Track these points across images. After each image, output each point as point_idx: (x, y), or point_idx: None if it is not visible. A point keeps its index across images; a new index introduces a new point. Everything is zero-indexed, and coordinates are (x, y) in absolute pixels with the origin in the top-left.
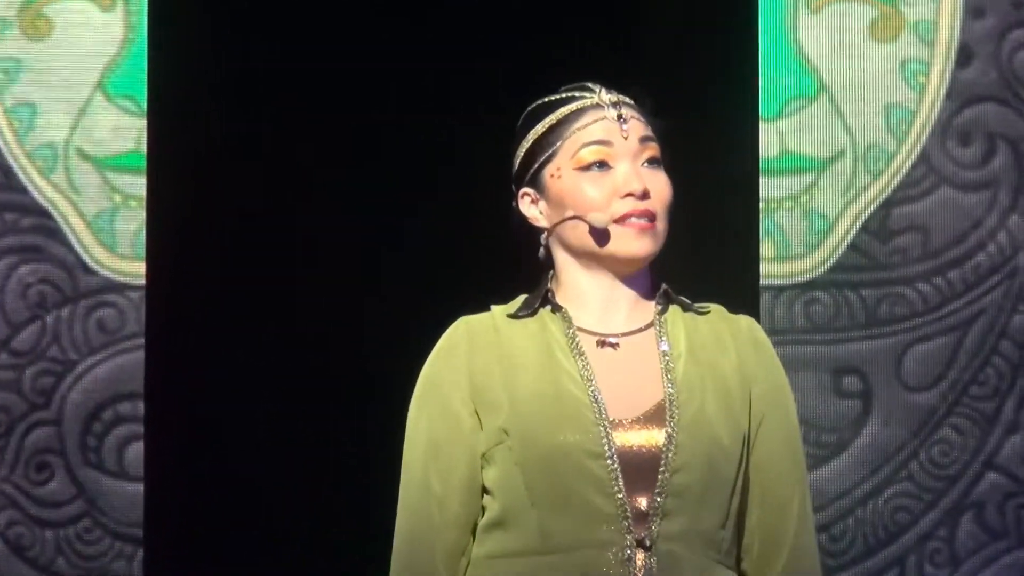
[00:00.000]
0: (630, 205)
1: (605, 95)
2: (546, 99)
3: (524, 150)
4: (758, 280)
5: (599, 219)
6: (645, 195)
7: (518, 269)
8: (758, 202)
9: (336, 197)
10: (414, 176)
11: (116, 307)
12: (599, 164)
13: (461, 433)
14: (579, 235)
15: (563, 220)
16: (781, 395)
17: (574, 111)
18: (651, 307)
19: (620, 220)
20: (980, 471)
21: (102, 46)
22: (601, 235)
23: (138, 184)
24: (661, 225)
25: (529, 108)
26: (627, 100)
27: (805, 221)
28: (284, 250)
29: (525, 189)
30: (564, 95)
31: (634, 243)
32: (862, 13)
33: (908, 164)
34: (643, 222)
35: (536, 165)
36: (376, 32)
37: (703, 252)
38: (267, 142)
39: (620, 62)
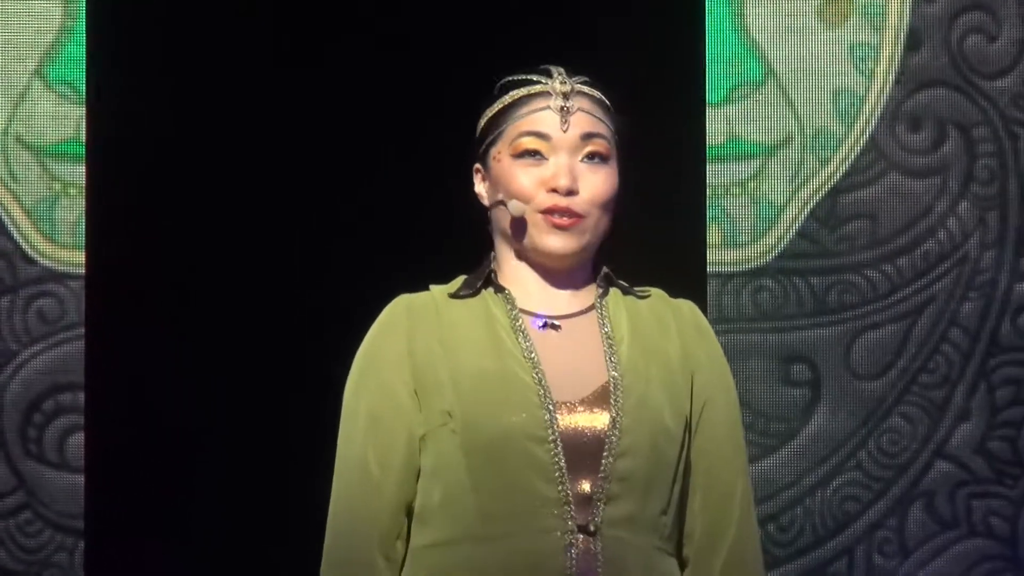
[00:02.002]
0: (552, 201)
1: (559, 84)
2: (511, 78)
3: (480, 126)
4: (705, 267)
5: (516, 207)
6: (571, 192)
7: (455, 252)
8: (705, 189)
9: (276, 184)
10: (354, 161)
11: (56, 296)
12: (532, 153)
13: (400, 411)
14: (504, 220)
15: (495, 203)
16: (724, 381)
17: (524, 96)
18: (592, 289)
19: (542, 212)
20: (930, 460)
21: (40, 32)
22: (517, 224)
23: (78, 172)
24: (590, 222)
25: (498, 84)
26: (585, 90)
27: (752, 208)
28: (224, 238)
29: (477, 164)
30: (525, 76)
31: (548, 238)
32: None
33: (857, 150)
34: (562, 219)
35: (485, 144)
36: (320, 16)
37: (649, 239)
38: (208, 129)
39: (565, 47)
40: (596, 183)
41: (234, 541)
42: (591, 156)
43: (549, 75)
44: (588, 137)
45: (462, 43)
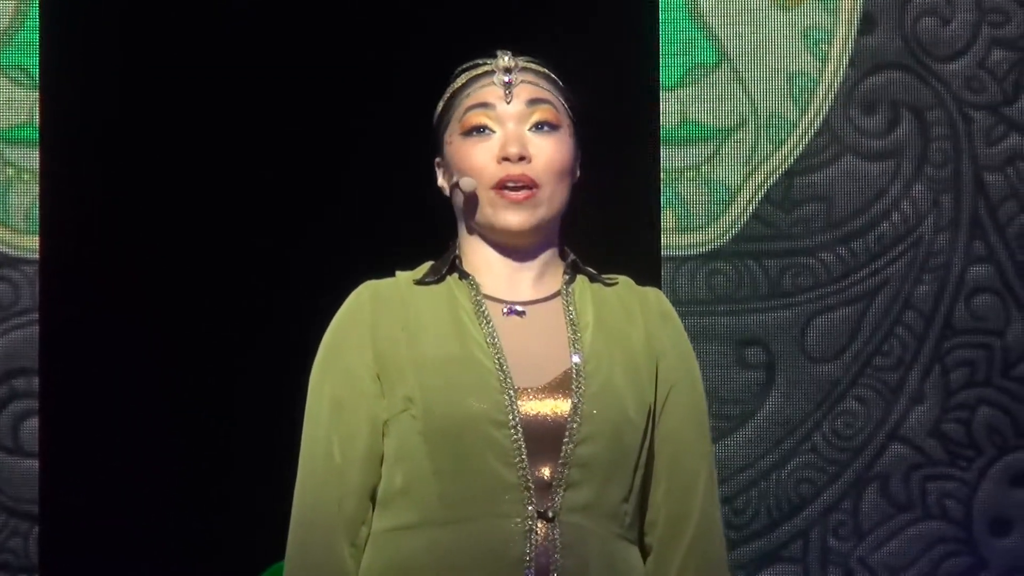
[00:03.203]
0: (505, 170)
1: (502, 61)
2: (461, 66)
3: (435, 118)
4: (659, 251)
5: (466, 184)
6: (523, 159)
7: (421, 238)
8: (659, 172)
9: (236, 169)
10: (319, 146)
11: (10, 282)
12: (479, 128)
13: (364, 396)
14: (460, 201)
15: (452, 187)
16: (688, 369)
17: (471, 78)
18: (559, 276)
19: (497, 188)
20: (884, 442)
21: None
22: (470, 201)
23: (32, 157)
24: (545, 192)
25: (453, 73)
26: (531, 66)
27: (707, 191)
28: (181, 223)
29: (438, 158)
30: (475, 62)
31: (509, 215)
32: None
33: (811, 133)
34: (519, 193)
35: (439, 133)
36: (276, 7)
37: (604, 222)
38: (163, 114)
39: (518, 31)
40: (547, 149)
41: (191, 527)
42: (539, 125)
43: (495, 57)
44: (534, 103)
45: (417, 29)
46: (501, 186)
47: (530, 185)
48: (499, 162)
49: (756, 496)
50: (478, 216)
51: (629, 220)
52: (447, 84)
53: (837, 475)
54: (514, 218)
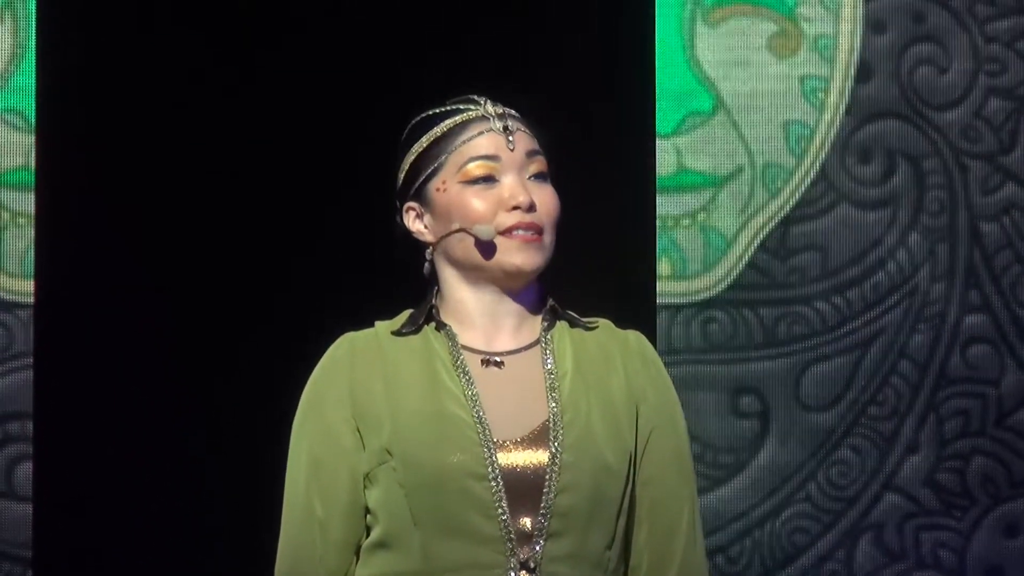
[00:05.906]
0: (516, 218)
1: (491, 107)
2: (431, 112)
3: (409, 163)
4: (655, 299)
5: (485, 231)
6: (531, 208)
7: (402, 285)
8: (655, 220)
9: (228, 215)
10: (303, 194)
11: (4, 326)
12: (485, 179)
13: (342, 451)
14: (464, 248)
15: (448, 234)
16: (670, 410)
17: (459, 123)
18: (538, 323)
19: (506, 232)
20: (879, 492)
21: None
22: (486, 248)
23: (27, 201)
24: (548, 238)
25: (413, 121)
26: (512, 112)
27: (702, 239)
28: (175, 269)
29: (410, 203)
30: (449, 107)
31: (519, 255)
32: (761, 28)
33: (807, 181)
34: (529, 235)
35: (422, 178)
36: (267, 47)
37: (599, 270)
38: (157, 158)
39: (513, 77)
40: (547, 199)
41: (185, 570)
42: (537, 175)
43: (473, 102)
44: (532, 155)
45: (404, 71)
46: (511, 230)
47: (539, 231)
48: (509, 210)
49: (750, 545)
50: (483, 261)
51: (624, 267)
52: (414, 130)
53: (831, 524)
54: (523, 258)
